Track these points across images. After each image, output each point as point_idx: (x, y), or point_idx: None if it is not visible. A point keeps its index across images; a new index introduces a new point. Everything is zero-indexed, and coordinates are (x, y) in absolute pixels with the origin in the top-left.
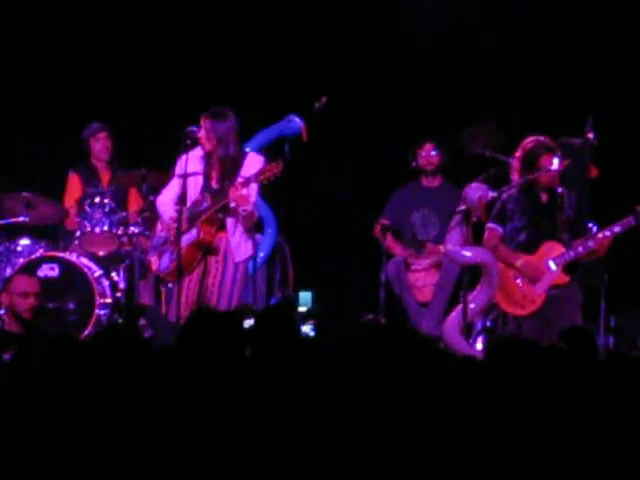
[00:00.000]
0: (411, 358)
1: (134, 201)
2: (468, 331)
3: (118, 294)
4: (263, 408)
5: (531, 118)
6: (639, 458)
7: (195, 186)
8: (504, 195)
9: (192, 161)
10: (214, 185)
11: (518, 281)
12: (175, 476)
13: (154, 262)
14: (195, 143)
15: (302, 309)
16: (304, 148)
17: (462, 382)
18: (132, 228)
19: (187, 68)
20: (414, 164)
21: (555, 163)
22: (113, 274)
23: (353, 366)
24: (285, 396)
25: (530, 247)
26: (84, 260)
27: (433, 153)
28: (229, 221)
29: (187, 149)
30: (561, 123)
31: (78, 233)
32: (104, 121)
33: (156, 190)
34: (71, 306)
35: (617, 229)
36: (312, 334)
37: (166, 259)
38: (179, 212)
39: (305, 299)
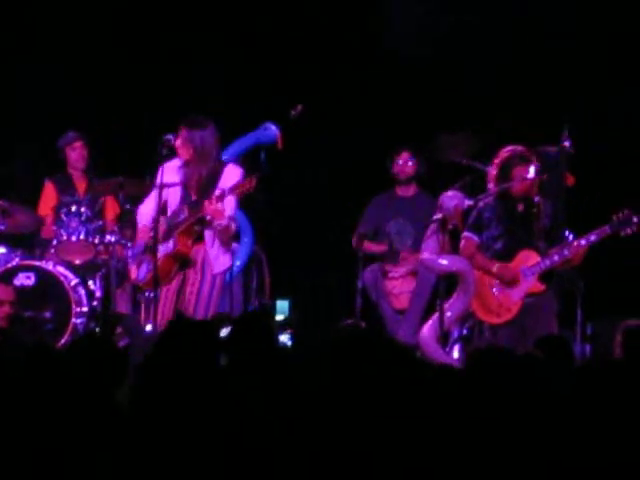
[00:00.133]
0: (388, 365)
1: (111, 210)
2: (444, 339)
3: (94, 303)
4: (240, 416)
5: (509, 126)
6: (614, 464)
7: (175, 196)
8: (480, 204)
9: (171, 171)
10: (193, 196)
11: (494, 290)
12: None
13: (133, 271)
14: (172, 151)
15: (279, 317)
16: (280, 156)
17: (439, 390)
18: (108, 237)
19: (165, 76)
20: (390, 172)
21: (531, 172)
22: (89, 283)
23: (331, 372)
24: (262, 404)
25: (506, 256)
26: (60, 269)
27: (410, 163)
28: (207, 233)
29: (164, 157)
30: (538, 131)
31: (54, 242)
32: (79, 130)
33: (133, 198)
34: (47, 315)
35: (593, 238)
36: (289, 343)
37: (144, 268)
38: (155, 222)
39: (282, 307)
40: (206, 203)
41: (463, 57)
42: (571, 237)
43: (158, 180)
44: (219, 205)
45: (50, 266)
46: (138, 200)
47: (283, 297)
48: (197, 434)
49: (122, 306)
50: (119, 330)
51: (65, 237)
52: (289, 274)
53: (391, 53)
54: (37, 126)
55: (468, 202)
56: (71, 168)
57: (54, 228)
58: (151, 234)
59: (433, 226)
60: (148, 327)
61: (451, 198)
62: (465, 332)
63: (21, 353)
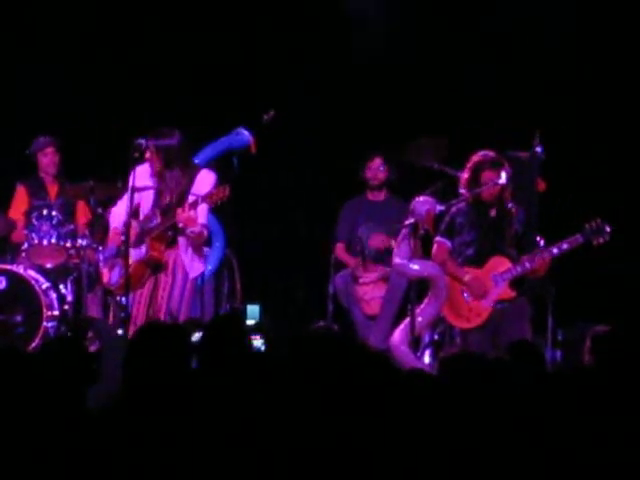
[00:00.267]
0: (360, 369)
1: (82, 214)
2: (416, 344)
3: (66, 307)
4: (212, 420)
5: (480, 131)
6: (583, 469)
7: (147, 200)
8: (453, 209)
9: (144, 175)
10: (165, 200)
11: (465, 295)
12: None
13: (105, 274)
14: (143, 155)
15: (250, 322)
16: (252, 161)
17: (410, 395)
18: (80, 241)
19: (135, 80)
20: (361, 177)
21: (502, 178)
22: (61, 287)
23: (303, 375)
24: (235, 407)
25: (478, 261)
26: (31, 272)
27: (381, 169)
28: (181, 239)
29: (135, 162)
30: (509, 136)
31: (25, 245)
32: (51, 134)
33: (104, 202)
34: (18, 318)
35: (565, 246)
36: (263, 348)
37: (116, 273)
38: (127, 225)
39: (253, 312)
40: (179, 211)
41: (432, 61)
42: (542, 243)
43: (130, 183)
44: (192, 213)
45: (21, 270)
46: (109, 204)
47: (253, 302)
48: (173, 435)
49: (93, 310)
50: (90, 334)
51: (36, 241)
52: (260, 279)
53: (361, 58)
54: (6, 130)
55: (440, 207)
56: (42, 173)
57: (25, 232)
58: (123, 238)
59: (404, 231)
60: (119, 331)
61: (423, 203)
62: (436, 337)
63: None
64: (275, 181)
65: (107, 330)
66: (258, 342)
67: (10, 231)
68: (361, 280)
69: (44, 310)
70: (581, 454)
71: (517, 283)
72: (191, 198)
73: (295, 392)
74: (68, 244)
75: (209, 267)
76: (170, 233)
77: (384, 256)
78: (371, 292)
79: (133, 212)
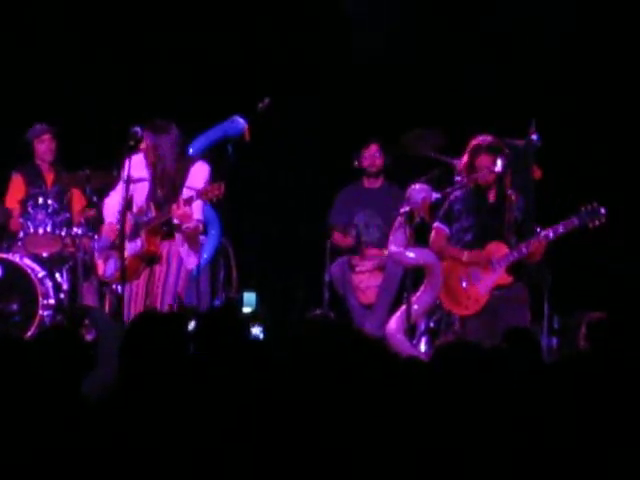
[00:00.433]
0: (357, 357)
1: (78, 202)
2: (411, 332)
3: (61, 295)
4: (209, 408)
5: (478, 120)
6: (578, 457)
7: (141, 191)
8: (451, 196)
9: (138, 165)
10: (159, 192)
11: (463, 283)
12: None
13: (100, 266)
14: (138, 144)
15: (247, 310)
16: (247, 149)
17: (406, 382)
18: (76, 229)
19: (131, 68)
20: (357, 164)
21: (498, 164)
22: (57, 275)
23: (303, 363)
24: (232, 395)
25: (476, 247)
26: (27, 261)
27: (377, 155)
28: (176, 233)
29: (130, 150)
30: (506, 124)
31: (21, 234)
32: (48, 121)
33: (100, 191)
34: (14, 307)
35: (560, 229)
36: (261, 336)
37: (112, 265)
38: (123, 215)
39: (249, 300)
40: (174, 207)
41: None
42: (539, 231)
43: (125, 173)
44: (187, 209)
45: (17, 258)
46: (105, 193)
47: (250, 289)
48: (170, 424)
49: (89, 299)
50: (86, 323)
51: (32, 230)
52: (256, 267)
53: (361, 57)
54: (1, 117)
55: (436, 195)
56: (39, 160)
57: (21, 220)
58: (118, 228)
59: (400, 219)
60: (115, 320)
61: (419, 191)
62: (432, 325)
63: None
64: (271, 169)
65: (103, 319)
66: (257, 330)
67: (6, 220)
68: (357, 268)
69: (40, 299)
70: (577, 443)
71: (514, 269)
72: (186, 193)
73: (293, 381)
74: (63, 233)
75: (205, 256)
76: (165, 228)
77: (383, 241)
78: (367, 281)
79: (127, 204)
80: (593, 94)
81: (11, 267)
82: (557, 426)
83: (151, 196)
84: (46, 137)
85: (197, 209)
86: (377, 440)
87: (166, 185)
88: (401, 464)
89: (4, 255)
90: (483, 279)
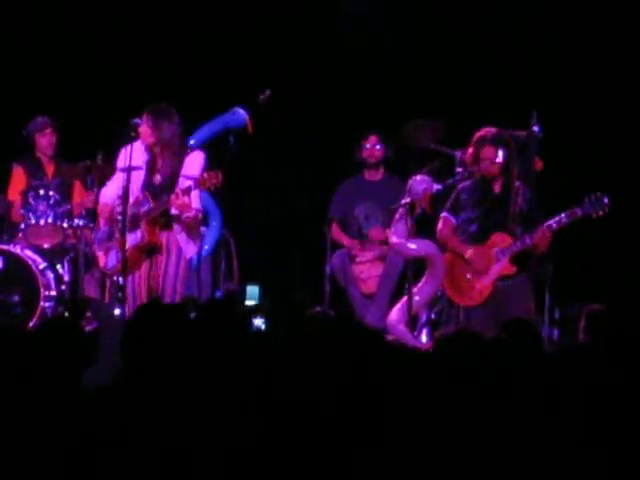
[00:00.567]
0: (359, 350)
1: (79, 194)
2: (413, 323)
3: (63, 287)
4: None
5: (478, 111)
6: (578, 448)
7: (137, 181)
8: (459, 185)
9: (134, 154)
10: (156, 181)
11: (468, 275)
12: (122, 472)
13: (101, 257)
14: (138, 135)
15: (250, 302)
16: (249, 140)
17: (407, 374)
18: (77, 221)
19: (132, 59)
20: (358, 157)
21: (499, 155)
22: (58, 267)
23: (304, 358)
24: (232, 387)
25: (481, 238)
26: (28, 252)
27: (377, 147)
28: (175, 223)
29: (130, 141)
30: (507, 116)
31: (22, 225)
32: (48, 114)
33: (101, 182)
34: (16, 298)
35: (564, 220)
36: (263, 327)
37: (113, 258)
38: (123, 208)
39: (252, 293)
40: (173, 197)
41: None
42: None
43: (124, 163)
44: (186, 198)
45: (18, 250)
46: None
47: (253, 282)
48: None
49: (90, 290)
50: (88, 314)
51: (33, 221)
52: (259, 258)
53: (358, 40)
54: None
55: (437, 186)
56: (40, 153)
57: (22, 212)
58: (113, 214)
59: (401, 210)
60: (116, 311)
61: (420, 182)
62: (434, 316)
63: None
64: (274, 160)
65: (105, 310)
66: (259, 321)
67: (7, 212)
68: (358, 259)
69: (41, 290)
70: (577, 433)
71: (519, 260)
72: (184, 183)
73: (294, 373)
74: (65, 224)
75: (206, 247)
76: (162, 218)
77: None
78: (368, 271)
79: (126, 193)
80: (592, 91)
81: (12, 259)
82: (557, 417)
83: (147, 185)
84: (48, 131)
85: (195, 198)
86: (378, 433)
87: (163, 171)
88: (402, 457)
89: (5, 247)
90: (487, 270)
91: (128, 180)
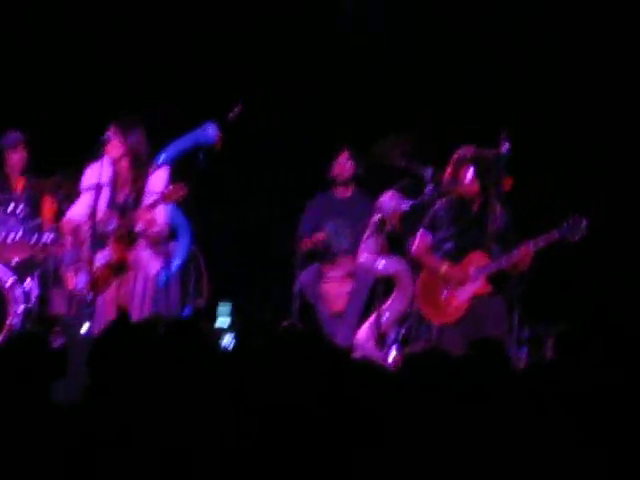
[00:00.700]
0: (324, 367)
1: (49, 208)
2: (382, 341)
3: (31, 302)
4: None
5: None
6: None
7: (102, 199)
8: (437, 204)
9: (97, 173)
10: (120, 199)
11: (444, 292)
12: None
13: (70, 279)
14: (103, 152)
15: (222, 320)
16: (219, 157)
17: (373, 392)
18: (46, 235)
19: (103, 74)
20: (328, 174)
21: (477, 175)
22: (26, 282)
23: (272, 373)
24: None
25: (457, 256)
26: None
27: (348, 163)
28: (140, 239)
29: (96, 159)
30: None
31: None
32: (18, 128)
33: (70, 198)
34: None
35: (541, 243)
36: (232, 345)
37: (83, 278)
38: (92, 227)
39: (224, 311)
40: (139, 213)
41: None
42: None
43: (88, 181)
44: (151, 214)
45: None
46: (75, 199)
47: (224, 298)
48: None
49: (59, 306)
50: (56, 330)
51: (2, 236)
52: (231, 275)
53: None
54: None
55: (406, 204)
56: (8, 168)
57: None
58: (80, 233)
59: (371, 227)
60: (85, 327)
61: (389, 200)
62: (403, 333)
63: None
64: (247, 176)
65: (73, 326)
66: (227, 340)
67: None
68: (328, 276)
69: (9, 306)
70: (543, 449)
71: (496, 279)
72: (149, 198)
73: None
74: (34, 239)
75: (176, 262)
76: (130, 235)
77: (353, 251)
78: (337, 288)
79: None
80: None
81: None
82: (524, 435)
83: (112, 202)
84: (20, 147)
85: (161, 213)
86: (344, 450)
87: (129, 187)
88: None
89: None
90: (463, 288)
91: (96, 198)
